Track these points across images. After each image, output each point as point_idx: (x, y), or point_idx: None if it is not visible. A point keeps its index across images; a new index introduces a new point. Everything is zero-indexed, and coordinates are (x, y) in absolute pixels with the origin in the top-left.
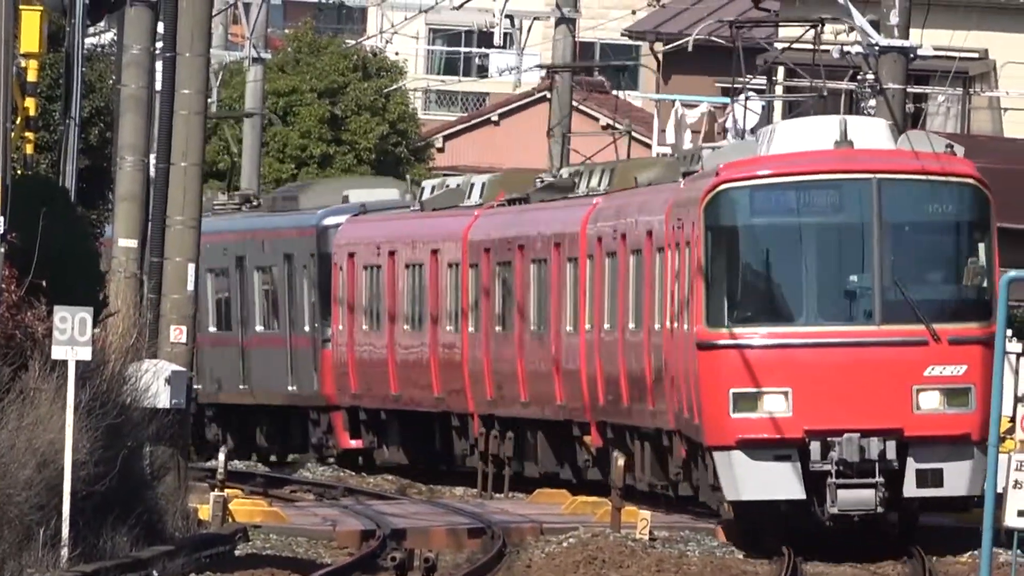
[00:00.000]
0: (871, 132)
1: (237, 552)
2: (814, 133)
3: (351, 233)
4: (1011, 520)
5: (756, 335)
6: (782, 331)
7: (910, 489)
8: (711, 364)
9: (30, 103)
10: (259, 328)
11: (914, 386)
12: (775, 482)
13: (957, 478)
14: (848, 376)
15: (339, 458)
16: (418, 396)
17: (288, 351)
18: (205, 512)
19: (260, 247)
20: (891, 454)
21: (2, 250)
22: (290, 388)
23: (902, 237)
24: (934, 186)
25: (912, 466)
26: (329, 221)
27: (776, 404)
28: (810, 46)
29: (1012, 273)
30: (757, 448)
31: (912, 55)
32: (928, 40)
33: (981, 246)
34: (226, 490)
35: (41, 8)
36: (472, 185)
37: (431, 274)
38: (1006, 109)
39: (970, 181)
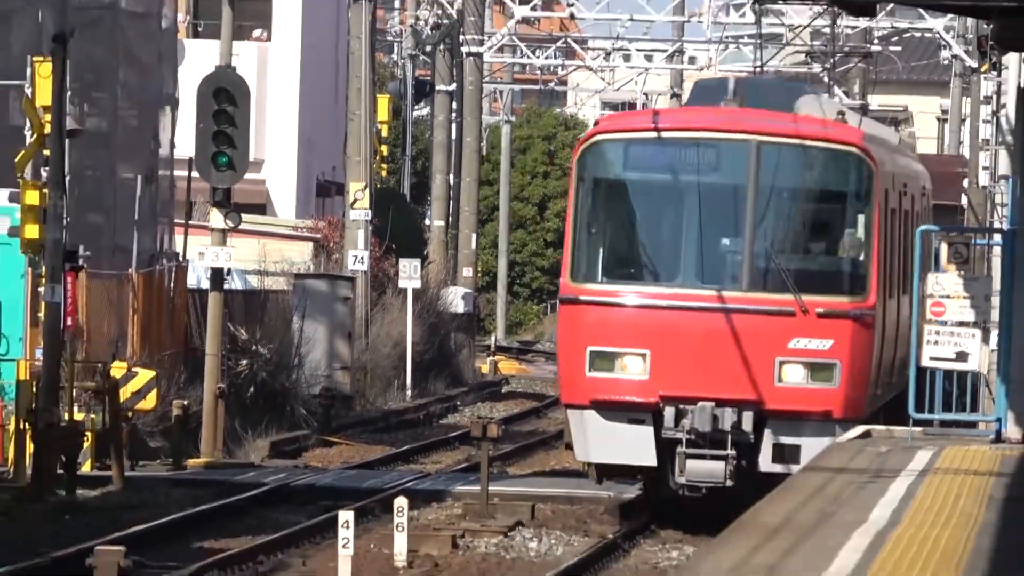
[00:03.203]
0: (769, 95)
1: (503, 391)
2: (714, 91)
3: None
4: (924, 361)
5: (617, 293)
6: (644, 291)
7: (766, 463)
8: (570, 320)
9: (383, 148)
10: None
11: (777, 358)
12: (628, 446)
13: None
14: (709, 343)
15: None
16: None
17: None
18: (485, 368)
19: None
20: (747, 426)
21: (371, 228)
22: None
23: (776, 203)
24: (814, 152)
25: (769, 440)
26: None
27: (633, 366)
28: None
29: (923, 225)
30: (611, 410)
31: (866, 110)
32: (875, 100)
33: (860, 217)
34: (496, 356)
35: (389, 95)
36: None
37: None
38: (918, 138)
39: (852, 150)
